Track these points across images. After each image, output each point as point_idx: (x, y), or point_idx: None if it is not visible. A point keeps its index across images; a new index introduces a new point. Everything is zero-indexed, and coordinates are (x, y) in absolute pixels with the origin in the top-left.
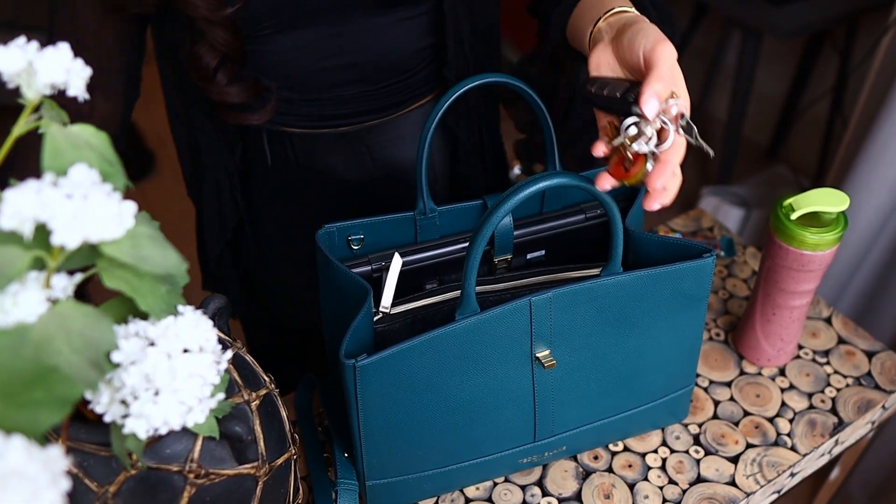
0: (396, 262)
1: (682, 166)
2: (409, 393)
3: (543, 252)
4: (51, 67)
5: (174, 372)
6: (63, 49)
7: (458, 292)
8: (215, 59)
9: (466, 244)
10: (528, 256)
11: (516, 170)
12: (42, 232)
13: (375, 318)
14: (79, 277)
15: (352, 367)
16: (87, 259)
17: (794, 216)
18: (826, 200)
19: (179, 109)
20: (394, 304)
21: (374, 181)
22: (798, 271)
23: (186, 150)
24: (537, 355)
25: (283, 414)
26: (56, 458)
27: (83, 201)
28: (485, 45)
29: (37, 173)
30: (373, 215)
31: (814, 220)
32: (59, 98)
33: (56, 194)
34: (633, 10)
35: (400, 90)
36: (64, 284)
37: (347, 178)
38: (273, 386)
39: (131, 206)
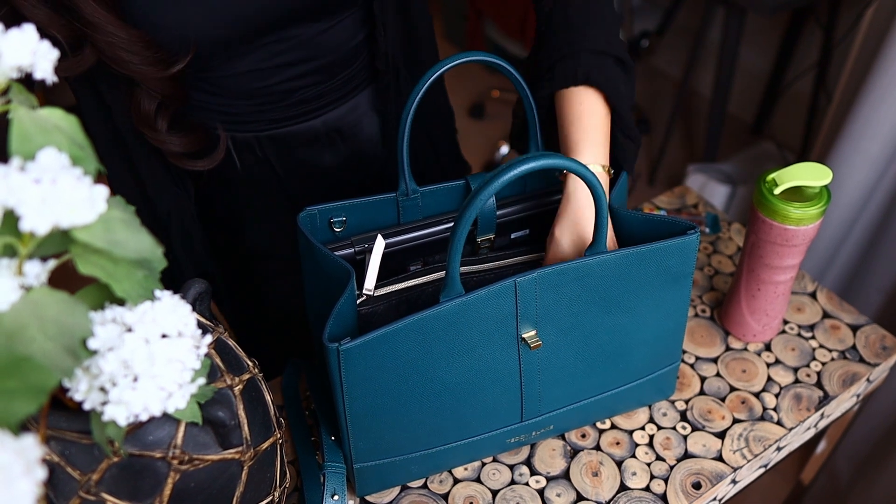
0: (379, 245)
1: (669, 144)
2: (395, 376)
3: (528, 231)
4: (16, 50)
5: (152, 357)
6: (29, 31)
7: (441, 273)
8: (153, 102)
9: (449, 225)
10: (513, 235)
11: (503, 149)
12: (11, 218)
13: (359, 301)
14: (52, 264)
15: (335, 351)
16: (60, 245)
17: (777, 191)
18: (808, 175)
19: (120, 166)
20: (377, 286)
21: (350, 161)
22: (782, 246)
23: (142, 207)
24: (523, 336)
25: (268, 398)
26: (30, 447)
27: (52, 186)
28: (415, 38)
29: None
30: (353, 197)
31: (797, 194)
32: None
33: (24, 179)
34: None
35: (352, 78)
36: (37, 271)
37: (325, 165)
38: (257, 370)
39: (103, 190)
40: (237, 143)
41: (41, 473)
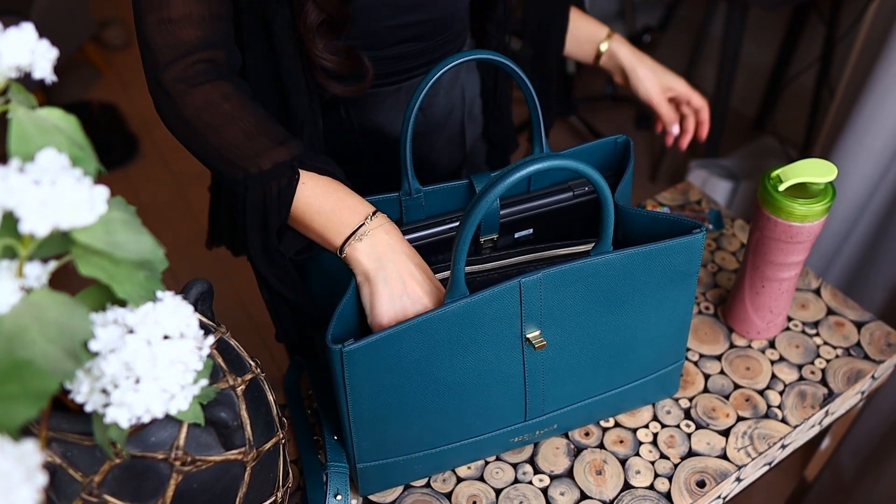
0: None
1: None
2: (398, 377)
3: (531, 230)
4: (14, 49)
5: (155, 359)
6: (27, 29)
7: (444, 273)
8: (320, 16)
9: (453, 225)
10: (516, 235)
11: None
12: (11, 220)
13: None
14: (53, 265)
15: (339, 353)
16: (60, 246)
17: (781, 187)
18: (813, 171)
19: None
20: None
21: (425, 132)
22: (787, 243)
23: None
24: (527, 336)
25: (270, 398)
26: (31, 454)
27: (51, 187)
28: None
29: None
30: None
31: (802, 191)
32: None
33: (23, 180)
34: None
35: (445, 44)
36: (37, 273)
37: (398, 137)
38: (259, 370)
39: (103, 191)
40: (325, 100)
41: (42, 479)
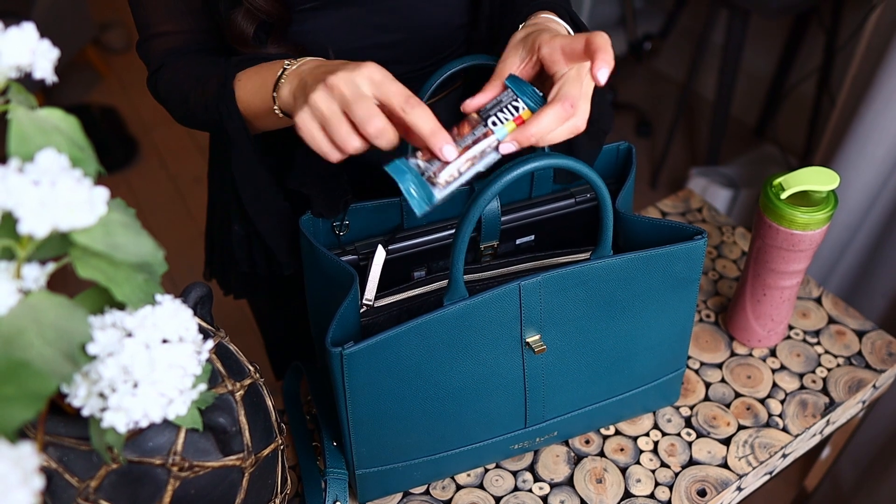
0: (380, 255)
1: (672, 147)
2: (398, 381)
3: (533, 237)
4: (15, 49)
5: (153, 363)
6: (28, 29)
7: (443, 283)
8: (252, 25)
9: (454, 230)
10: (518, 242)
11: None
12: (9, 220)
13: (360, 311)
14: (51, 267)
15: (338, 356)
16: (59, 248)
17: (784, 195)
18: (816, 179)
19: None
20: (379, 296)
21: None
22: (788, 251)
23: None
24: (527, 340)
25: (269, 403)
26: (27, 456)
27: (51, 188)
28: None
29: None
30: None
31: (804, 199)
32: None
33: (22, 181)
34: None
35: (432, 71)
36: (36, 275)
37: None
38: (258, 375)
39: (103, 193)
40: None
41: (39, 483)
